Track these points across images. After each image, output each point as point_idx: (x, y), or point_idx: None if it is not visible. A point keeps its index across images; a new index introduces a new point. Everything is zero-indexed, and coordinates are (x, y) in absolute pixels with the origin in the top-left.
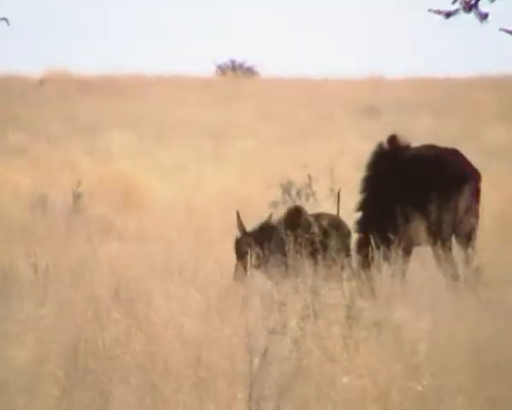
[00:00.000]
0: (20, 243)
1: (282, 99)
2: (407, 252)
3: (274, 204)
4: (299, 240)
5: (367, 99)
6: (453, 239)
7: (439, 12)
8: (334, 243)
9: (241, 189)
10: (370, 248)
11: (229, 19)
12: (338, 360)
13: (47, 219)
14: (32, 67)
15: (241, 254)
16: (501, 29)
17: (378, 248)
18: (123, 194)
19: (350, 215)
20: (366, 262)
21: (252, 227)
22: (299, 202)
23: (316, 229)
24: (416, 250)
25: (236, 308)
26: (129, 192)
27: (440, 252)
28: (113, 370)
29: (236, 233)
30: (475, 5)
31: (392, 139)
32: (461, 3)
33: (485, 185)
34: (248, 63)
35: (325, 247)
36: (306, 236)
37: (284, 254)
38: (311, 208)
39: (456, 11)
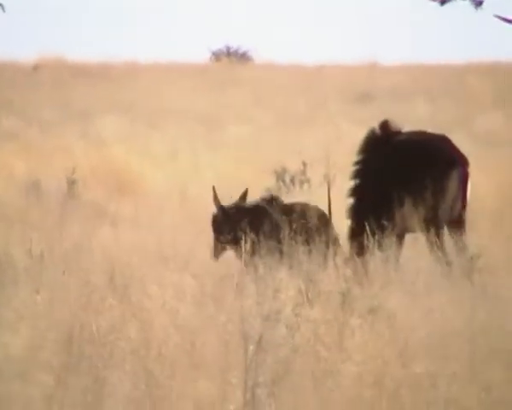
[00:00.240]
0: (14, 228)
1: (277, 86)
2: (399, 237)
3: (268, 191)
4: (270, 227)
5: (363, 86)
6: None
7: None
8: (306, 232)
9: (236, 174)
10: (365, 235)
11: (224, 4)
12: (333, 347)
13: (41, 205)
14: (26, 52)
15: (218, 230)
16: (495, 16)
17: (372, 234)
18: (117, 180)
19: (345, 201)
20: (359, 248)
21: (228, 204)
22: (292, 189)
23: (285, 217)
24: (411, 236)
25: (231, 294)
26: (123, 178)
27: (432, 238)
28: (107, 356)
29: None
30: None
31: (385, 125)
32: None
33: (479, 171)
34: (243, 49)
35: (297, 235)
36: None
37: (257, 233)
38: (305, 195)
39: None
